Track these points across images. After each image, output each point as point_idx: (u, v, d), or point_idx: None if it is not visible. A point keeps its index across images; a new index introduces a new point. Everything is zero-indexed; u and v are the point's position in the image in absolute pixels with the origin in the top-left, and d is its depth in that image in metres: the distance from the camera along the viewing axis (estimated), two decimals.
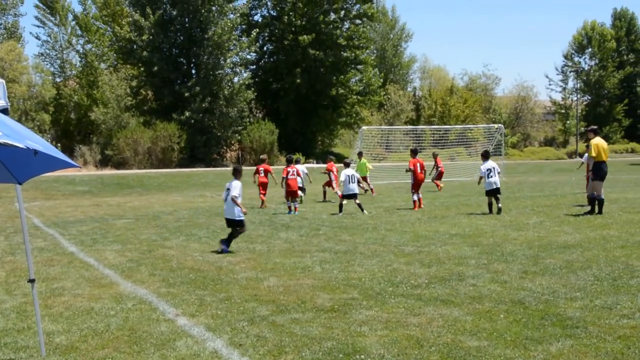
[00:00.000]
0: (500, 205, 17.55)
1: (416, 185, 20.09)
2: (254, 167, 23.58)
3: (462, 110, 71.42)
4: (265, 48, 60.28)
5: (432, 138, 47.65)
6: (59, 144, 43.43)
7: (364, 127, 41.37)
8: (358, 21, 59.78)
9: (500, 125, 43.31)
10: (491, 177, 17.70)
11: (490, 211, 17.60)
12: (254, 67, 59.21)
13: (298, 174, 20.41)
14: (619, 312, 7.22)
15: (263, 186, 21.84)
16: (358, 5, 58.66)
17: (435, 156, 29.08)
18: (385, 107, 70.77)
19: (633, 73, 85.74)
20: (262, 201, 21.56)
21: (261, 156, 25.20)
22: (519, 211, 17.98)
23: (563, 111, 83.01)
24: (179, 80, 49.10)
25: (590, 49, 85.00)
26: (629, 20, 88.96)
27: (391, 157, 45.02)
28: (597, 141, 16.41)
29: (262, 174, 21.91)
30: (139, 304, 8.26)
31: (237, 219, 12.22)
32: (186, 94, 46.52)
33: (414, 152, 21.05)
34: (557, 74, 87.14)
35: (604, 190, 16.80)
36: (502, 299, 7.97)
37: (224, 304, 8.15)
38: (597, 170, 16.34)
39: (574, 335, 6.46)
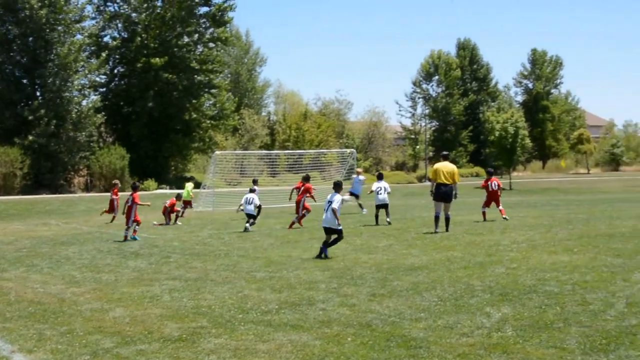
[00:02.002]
0: (389, 218, 21.09)
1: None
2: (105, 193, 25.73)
3: (316, 135, 72.65)
4: (116, 70, 58.32)
5: (286, 162, 48.04)
6: None
7: (218, 152, 41.03)
8: (212, 45, 59.39)
9: (352, 149, 44.44)
10: (380, 194, 21.29)
11: (377, 223, 20.84)
12: (104, 90, 57.17)
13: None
14: (460, 331, 7.55)
15: (110, 205, 25.76)
16: (212, 29, 58.28)
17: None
18: (240, 131, 70.68)
19: (476, 100, 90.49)
20: (105, 212, 25.92)
21: (114, 181, 29.30)
22: (369, 234, 18.46)
23: (413, 136, 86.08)
24: (22, 103, 46.44)
25: (437, 77, 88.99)
26: (472, 50, 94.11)
27: (246, 181, 44.87)
28: (436, 166, 18.37)
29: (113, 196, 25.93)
30: None
31: (338, 228, 14.11)
32: (30, 117, 43.98)
33: (305, 179, 24.24)
34: (407, 100, 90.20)
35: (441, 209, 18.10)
36: (350, 322, 8.10)
37: (65, 337, 7.74)
38: (434, 191, 18.13)
39: (417, 355, 6.67)
